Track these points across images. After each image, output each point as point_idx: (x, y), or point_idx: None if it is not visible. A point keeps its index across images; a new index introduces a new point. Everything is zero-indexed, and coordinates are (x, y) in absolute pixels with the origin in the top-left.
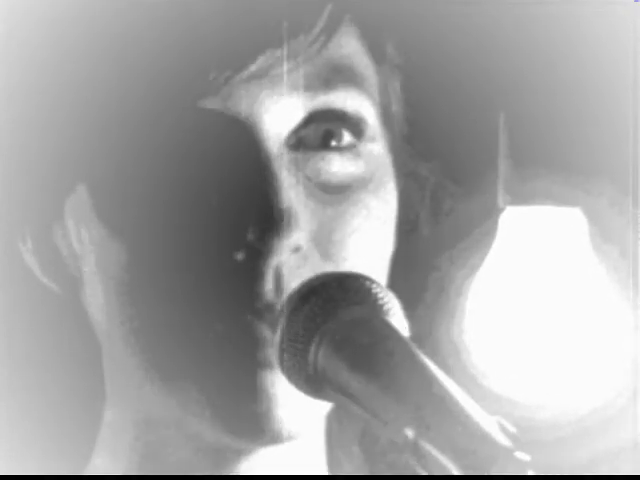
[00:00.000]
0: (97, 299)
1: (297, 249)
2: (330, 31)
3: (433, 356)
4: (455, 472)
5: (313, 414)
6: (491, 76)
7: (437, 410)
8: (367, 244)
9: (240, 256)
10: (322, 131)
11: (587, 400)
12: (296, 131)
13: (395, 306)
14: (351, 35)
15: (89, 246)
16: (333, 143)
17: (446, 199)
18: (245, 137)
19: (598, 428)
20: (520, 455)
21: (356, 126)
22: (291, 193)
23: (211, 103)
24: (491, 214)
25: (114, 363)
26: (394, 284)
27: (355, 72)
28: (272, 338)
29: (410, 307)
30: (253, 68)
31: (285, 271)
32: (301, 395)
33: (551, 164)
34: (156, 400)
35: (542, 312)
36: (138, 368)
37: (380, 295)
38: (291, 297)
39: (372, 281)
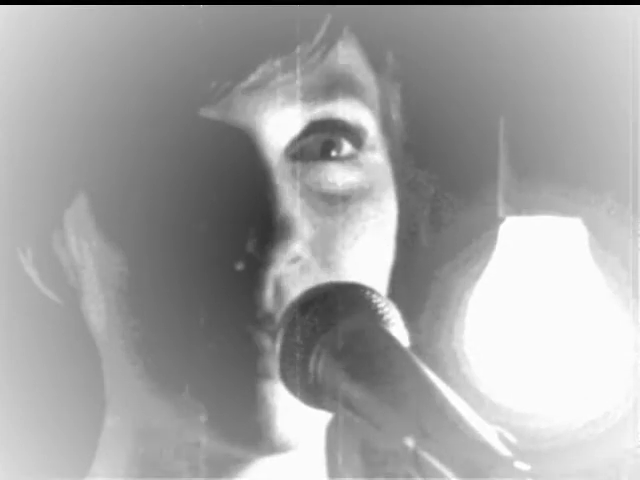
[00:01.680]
0: (97, 309)
1: (297, 259)
2: (330, 41)
3: (433, 366)
4: None
5: (313, 424)
6: (491, 84)
7: (437, 420)
8: (367, 254)
9: (240, 266)
10: (322, 141)
11: (587, 410)
12: (296, 141)
13: (395, 316)
14: (351, 45)
15: (89, 257)
16: (333, 153)
17: (446, 209)
18: (245, 147)
19: (598, 438)
20: (519, 464)
21: (356, 136)
22: (291, 203)
23: (211, 113)
24: (491, 224)
25: (114, 372)
26: (394, 294)
27: (355, 82)
28: (272, 348)
29: (410, 317)
30: (253, 78)
31: (285, 281)
32: (301, 405)
33: (551, 172)
34: (156, 409)
35: (542, 322)
36: (138, 377)
37: (380, 305)
38: (291, 307)
39: (372, 291)
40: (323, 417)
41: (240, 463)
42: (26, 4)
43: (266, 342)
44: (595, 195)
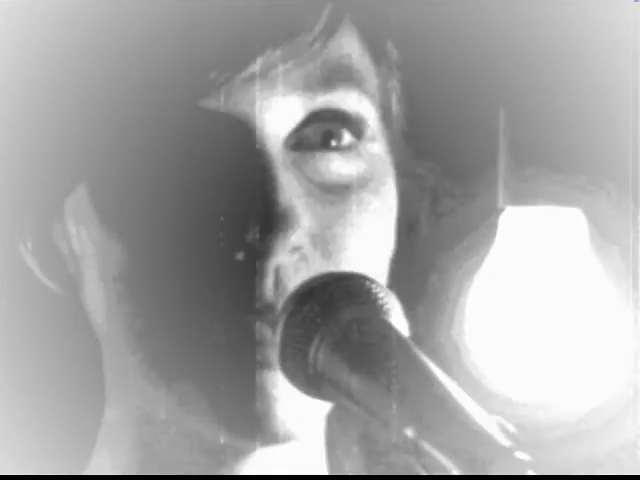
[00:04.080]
0: (97, 299)
1: (297, 249)
2: (330, 31)
3: (433, 356)
4: (455, 472)
5: (313, 414)
6: (491, 75)
7: (437, 410)
8: (367, 244)
9: (240, 256)
10: (322, 131)
11: (588, 400)
12: (296, 131)
13: (395, 306)
14: (351, 35)
15: (89, 246)
16: (333, 143)
17: (446, 199)
18: (245, 137)
19: (599, 428)
20: (520, 455)
21: (356, 126)
22: (291, 193)
23: (211, 103)
24: (491, 214)
25: (114, 362)
26: (394, 284)
27: (355, 72)
28: (272, 338)
29: (410, 307)
30: (253, 68)
31: (285, 271)
32: (301, 395)
33: (551, 164)
34: (155, 399)
35: (542, 312)
36: (138, 367)
37: (380, 295)
38: (291, 297)
39: (372, 281)
40: (323, 407)
41: (240, 453)
42: None
43: (266, 332)
44: (595, 185)
